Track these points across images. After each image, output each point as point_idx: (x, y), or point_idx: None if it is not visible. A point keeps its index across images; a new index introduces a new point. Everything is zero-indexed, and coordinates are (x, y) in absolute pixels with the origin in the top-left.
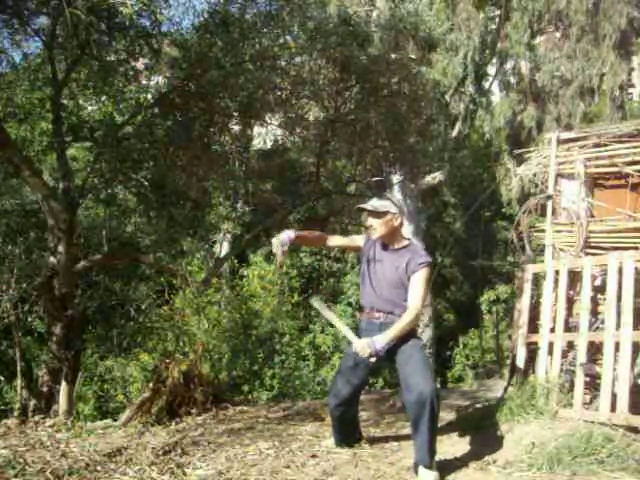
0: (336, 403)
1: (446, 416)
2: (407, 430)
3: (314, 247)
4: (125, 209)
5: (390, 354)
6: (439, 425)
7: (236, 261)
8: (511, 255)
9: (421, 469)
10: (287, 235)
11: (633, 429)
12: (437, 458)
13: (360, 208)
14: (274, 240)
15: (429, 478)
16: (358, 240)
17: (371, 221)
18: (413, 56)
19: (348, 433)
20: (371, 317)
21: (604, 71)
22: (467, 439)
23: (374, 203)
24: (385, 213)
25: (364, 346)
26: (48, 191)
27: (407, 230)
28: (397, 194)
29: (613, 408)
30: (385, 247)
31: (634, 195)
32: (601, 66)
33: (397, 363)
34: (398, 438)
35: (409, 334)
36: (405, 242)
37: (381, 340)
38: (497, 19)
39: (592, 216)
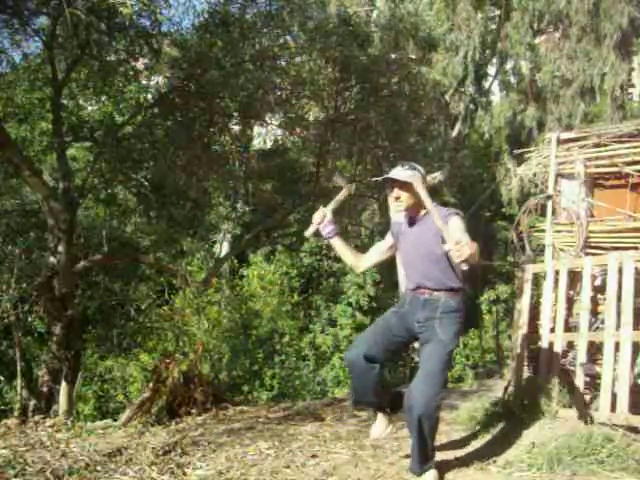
0: (357, 353)
1: (446, 416)
2: (407, 430)
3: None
4: (125, 209)
5: (417, 331)
6: (439, 426)
7: (236, 261)
8: (511, 255)
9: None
10: (328, 227)
11: (633, 429)
12: (437, 458)
13: (386, 179)
14: (317, 215)
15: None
16: (388, 239)
17: (397, 192)
18: (413, 56)
19: (365, 392)
20: (417, 293)
21: (605, 71)
22: (467, 439)
23: (400, 173)
24: (411, 183)
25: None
26: (48, 191)
27: None
28: None
29: (613, 408)
30: (412, 221)
31: (634, 195)
32: (602, 66)
33: (423, 348)
34: (398, 438)
35: (450, 316)
36: (423, 208)
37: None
38: (497, 19)
39: (592, 216)
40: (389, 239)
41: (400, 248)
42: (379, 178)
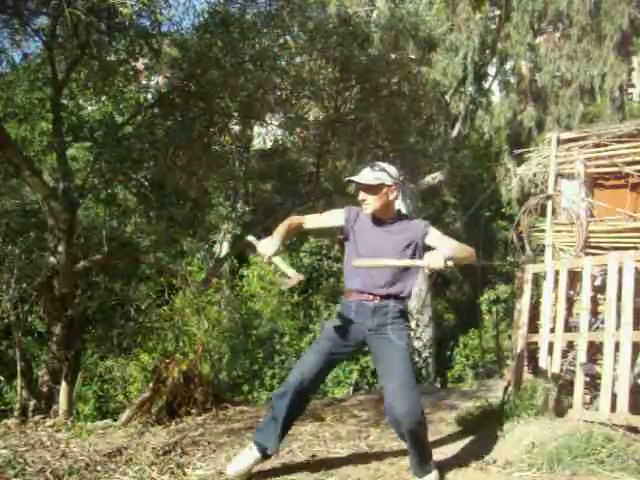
0: (300, 380)
1: (446, 416)
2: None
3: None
4: (125, 209)
5: (366, 339)
6: (438, 425)
7: (236, 261)
8: (511, 255)
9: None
10: (272, 246)
11: (633, 429)
12: (437, 458)
13: (350, 181)
14: (261, 250)
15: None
16: (337, 216)
17: (364, 195)
18: (413, 56)
19: (285, 429)
20: (363, 299)
21: (605, 71)
22: (467, 439)
23: (367, 175)
24: (380, 187)
25: (436, 258)
26: (48, 191)
27: None
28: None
29: (613, 408)
30: (378, 222)
31: (634, 195)
32: (602, 66)
33: (376, 359)
34: (398, 438)
35: (400, 321)
36: (396, 215)
37: (446, 250)
38: (497, 19)
39: (592, 216)
40: (342, 221)
41: (356, 242)
42: (346, 179)
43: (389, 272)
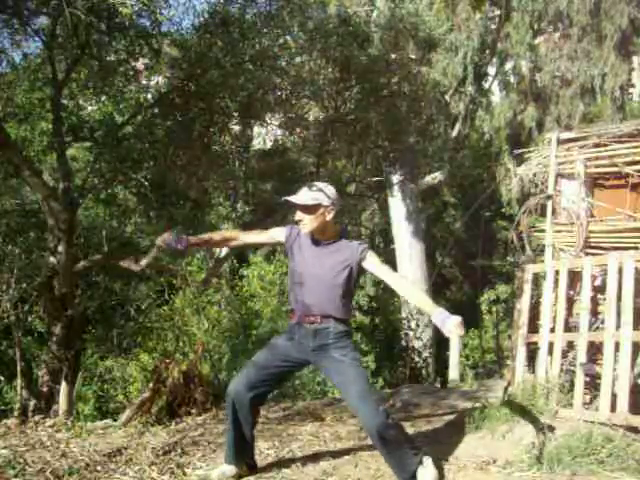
0: (237, 388)
1: (446, 416)
2: (407, 430)
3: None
4: (125, 209)
5: (311, 359)
6: (439, 425)
7: (236, 261)
8: (511, 255)
9: (419, 468)
10: (176, 241)
11: (633, 429)
12: (437, 458)
13: (287, 201)
14: (158, 240)
15: (427, 476)
16: (277, 234)
17: (300, 215)
18: (413, 56)
19: (243, 447)
20: (305, 322)
21: (605, 71)
22: (467, 439)
23: (304, 195)
24: (316, 207)
25: (458, 324)
26: (48, 191)
27: (407, 230)
28: (397, 194)
29: (613, 408)
30: (316, 242)
31: (634, 195)
32: (602, 66)
33: (328, 378)
34: None
35: (342, 340)
36: (337, 236)
37: (444, 315)
38: (497, 19)
39: (592, 216)
40: (282, 239)
41: (295, 262)
42: (291, 200)
43: (326, 294)
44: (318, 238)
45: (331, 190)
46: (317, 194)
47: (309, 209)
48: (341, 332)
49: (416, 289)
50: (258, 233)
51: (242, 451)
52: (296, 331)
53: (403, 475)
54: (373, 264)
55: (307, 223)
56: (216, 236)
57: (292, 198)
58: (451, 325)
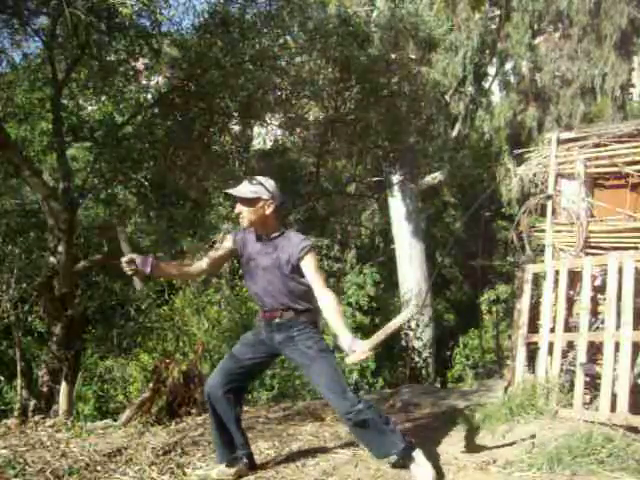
0: (212, 385)
1: (446, 416)
2: (407, 430)
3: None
4: (125, 209)
5: (281, 352)
6: (438, 425)
7: (236, 261)
8: (511, 255)
9: (413, 467)
10: (142, 263)
11: (633, 429)
12: (438, 458)
13: (227, 194)
14: (123, 259)
15: (424, 474)
16: (227, 243)
17: (239, 208)
18: (413, 56)
19: (228, 442)
20: (268, 318)
21: (605, 71)
22: (467, 439)
23: (242, 188)
24: (256, 200)
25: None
26: (48, 191)
27: (407, 230)
28: (397, 194)
29: (613, 408)
30: (260, 238)
31: (634, 195)
32: (602, 66)
33: (299, 367)
34: None
35: (306, 331)
36: (279, 231)
37: (355, 342)
38: (497, 19)
39: (592, 216)
40: (229, 246)
41: (247, 264)
42: (224, 191)
43: (280, 286)
44: (261, 234)
45: (271, 184)
46: (257, 187)
47: (248, 202)
48: (304, 323)
49: (335, 309)
50: (214, 250)
51: (230, 447)
52: (262, 327)
53: (380, 455)
54: (307, 267)
55: (246, 216)
56: (182, 267)
57: (232, 190)
58: (352, 359)
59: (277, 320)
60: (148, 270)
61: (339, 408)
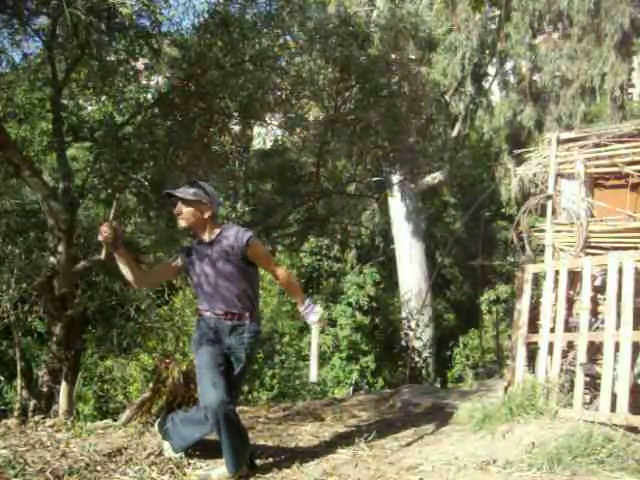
0: (223, 399)
1: (446, 416)
2: (407, 430)
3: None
4: (125, 209)
5: (230, 353)
6: (438, 425)
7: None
8: (511, 255)
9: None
10: (120, 238)
11: (633, 429)
12: (437, 458)
13: (168, 193)
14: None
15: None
16: (178, 260)
17: (179, 208)
18: (413, 56)
19: (245, 447)
20: (222, 318)
21: (605, 71)
22: (467, 439)
23: (184, 190)
24: (195, 202)
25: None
26: (48, 191)
27: (407, 230)
28: (397, 194)
29: (613, 408)
30: (202, 243)
31: (634, 195)
32: (602, 66)
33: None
34: (398, 438)
35: (254, 338)
36: (218, 230)
37: (310, 307)
38: (497, 19)
39: (592, 216)
40: (180, 261)
41: (195, 271)
42: (166, 191)
43: (232, 283)
44: (201, 239)
45: (211, 190)
46: (198, 191)
47: (188, 203)
48: (254, 331)
49: (291, 281)
50: (163, 265)
51: (244, 453)
52: (212, 325)
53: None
54: (256, 255)
55: (184, 217)
56: (140, 270)
57: (174, 191)
58: (315, 317)
59: (232, 322)
60: (118, 246)
61: (206, 399)
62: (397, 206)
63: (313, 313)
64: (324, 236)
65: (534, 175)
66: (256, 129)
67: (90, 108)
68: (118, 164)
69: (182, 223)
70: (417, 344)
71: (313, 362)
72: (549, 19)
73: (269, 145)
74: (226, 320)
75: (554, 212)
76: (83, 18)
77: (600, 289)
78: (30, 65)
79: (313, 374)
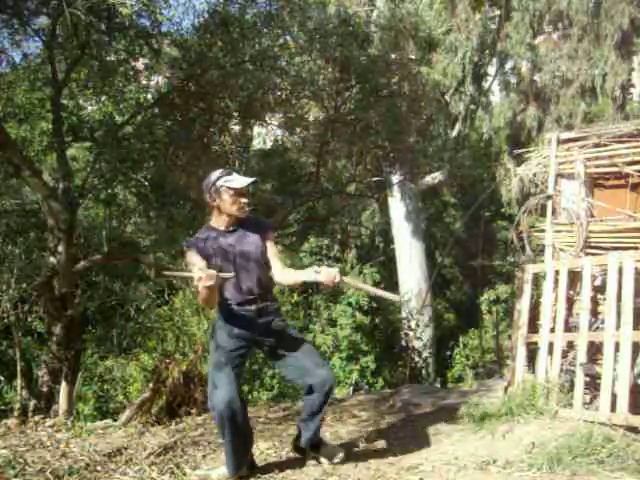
0: (229, 399)
1: (446, 416)
2: (407, 430)
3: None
4: (125, 209)
5: (269, 336)
6: (438, 425)
7: None
8: (511, 255)
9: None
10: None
11: (633, 429)
12: (437, 458)
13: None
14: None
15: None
16: (197, 256)
17: (245, 199)
18: (413, 56)
19: (246, 449)
20: (245, 302)
21: (606, 71)
22: (467, 439)
23: (247, 180)
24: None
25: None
26: (48, 191)
27: (407, 230)
28: (397, 194)
29: (613, 408)
30: (229, 231)
31: (634, 195)
32: (603, 66)
33: (287, 351)
34: (398, 438)
35: (280, 314)
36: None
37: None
38: (497, 19)
39: (592, 216)
40: (198, 256)
41: (222, 259)
42: (247, 183)
43: (259, 268)
44: (229, 224)
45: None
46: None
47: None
48: (278, 307)
49: (288, 270)
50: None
51: (245, 455)
52: (237, 313)
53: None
54: (272, 242)
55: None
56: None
57: (250, 179)
58: (319, 275)
59: (264, 304)
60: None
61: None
62: (397, 206)
63: (315, 274)
64: (324, 236)
65: (534, 175)
66: (256, 129)
67: (90, 108)
68: (118, 164)
69: (246, 212)
70: (417, 344)
71: (380, 292)
72: (549, 19)
73: (269, 145)
74: (261, 304)
75: (554, 212)
76: (83, 18)
77: (600, 289)
78: (30, 65)
79: (391, 296)
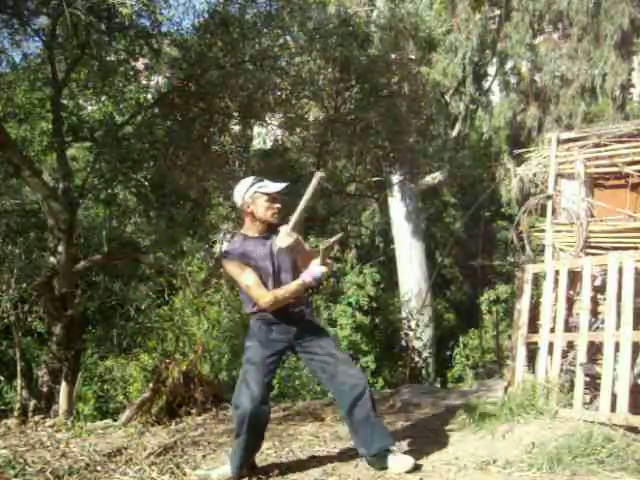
0: (256, 404)
1: (446, 416)
2: (407, 430)
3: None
4: (125, 209)
5: (304, 338)
6: (438, 425)
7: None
8: (511, 255)
9: (391, 457)
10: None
11: (633, 429)
12: (438, 458)
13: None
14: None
15: (409, 463)
16: (246, 267)
17: (278, 204)
18: (413, 56)
19: (255, 448)
20: (295, 307)
21: (605, 71)
22: (467, 439)
23: (280, 185)
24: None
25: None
26: (48, 191)
27: (407, 230)
28: (397, 194)
29: (613, 408)
30: (264, 237)
31: (634, 195)
32: (603, 66)
33: (318, 355)
34: (398, 438)
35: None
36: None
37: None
38: (497, 19)
39: (592, 216)
40: (251, 269)
41: (273, 266)
42: (281, 187)
43: (294, 272)
44: (262, 232)
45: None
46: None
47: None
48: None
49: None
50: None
51: (251, 457)
52: (280, 320)
53: (386, 441)
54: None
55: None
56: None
57: (284, 184)
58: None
59: (299, 307)
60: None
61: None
62: (397, 206)
63: (312, 274)
64: (324, 236)
65: (534, 175)
66: (256, 129)
67: (90, 108)
68: (118, 164)
69: (278, 217)
70: (417, 344)
71: (310, 189)
72: (549, 19)
73: (269, 145)
74: (299, 307)
75: (554, 212)
76: (83, 18)
77: (600, 289)
78: (30, 65)
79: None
